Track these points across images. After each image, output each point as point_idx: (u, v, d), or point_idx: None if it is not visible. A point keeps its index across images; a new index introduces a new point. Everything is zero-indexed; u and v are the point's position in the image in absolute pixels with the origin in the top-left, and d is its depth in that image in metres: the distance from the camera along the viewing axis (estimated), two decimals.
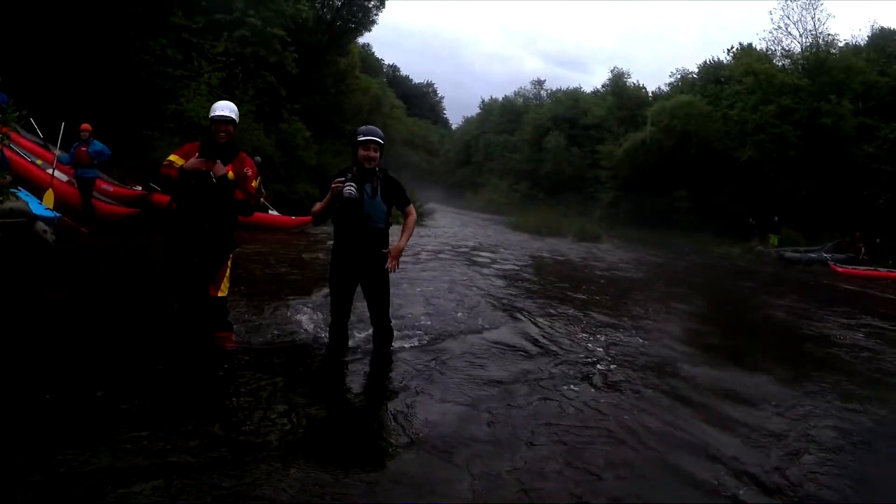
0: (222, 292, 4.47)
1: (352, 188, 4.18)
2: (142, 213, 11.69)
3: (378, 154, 4.40)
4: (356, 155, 4.40)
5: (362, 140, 4.35)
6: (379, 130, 4.50)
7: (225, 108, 4.38)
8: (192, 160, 4.25)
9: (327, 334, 4.82)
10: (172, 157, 4.32)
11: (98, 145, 10.22)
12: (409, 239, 4.62)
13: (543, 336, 6.10)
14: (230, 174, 4.33)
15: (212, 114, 4.39)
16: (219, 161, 4.28)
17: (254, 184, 4.52)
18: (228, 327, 4.61)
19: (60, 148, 10.40)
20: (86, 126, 10.20)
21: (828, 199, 25.66)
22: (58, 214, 8.41)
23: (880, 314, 10.32)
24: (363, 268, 4.54)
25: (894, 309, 11.66)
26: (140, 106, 15.92)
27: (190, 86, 16.80)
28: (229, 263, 4.54)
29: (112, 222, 10.84)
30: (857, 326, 8.70)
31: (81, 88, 13.90)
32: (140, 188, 12.71)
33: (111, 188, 11.73)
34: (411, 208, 4.72)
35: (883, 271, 18.02)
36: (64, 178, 10.43)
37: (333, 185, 4.25)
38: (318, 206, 4.49)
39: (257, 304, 6.17)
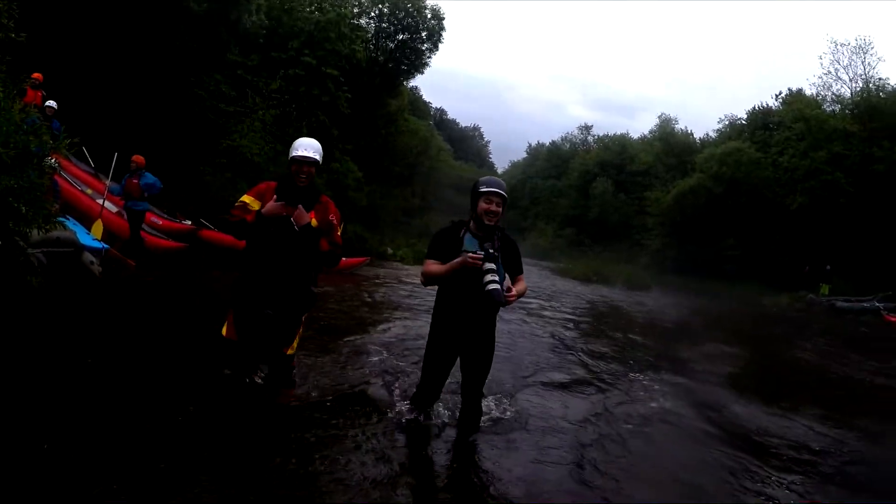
0: (292, 349, 3.98)
1: (496, 281, 3.52)
2: (190, 248, 11.46)
3: (501, 210, 3.75)
4: (475, 208, 3.77)
5: (485, 191, 3.73)
6: (503, 183, 3.87)
7: (309, 148, 3.80)
8: (271, 204, 3.69)
9: (398, 387, 4.53)
10: (246, 199, 3.81)
11: (149, 178, 9.97)
12: (523, 291, 3.91)
13: (603, 379, 6.48)
14: (314, 221, 3.79)
15: (293, 153, 3.81)
16: (300, 206, 3.73)
17: (339, 232, 3.99)
18: (292, 383, 4.17)
19: (112, 178, 10.21)
20: (138, 158, 9.98)
21: (881, 247, 24.82)
22: (105, 246, 8.13)
23: None
24: (472, 338, 3.92)
25: None
26: (193, 140, 15.86)
27: (244, 122, 16.74)
28: (304, 320, 4.02)
29: (160, 256, 10.56)
30: None
31: (135, 120, 13.87)
32: (189, 222, 12.53)
33: (160, 221, 11.54)
34: (523, 277, 3.98)
35: None
36: (113, 208, 10.24)
37: (471, 259, 3.56)
38: (435, 268, 3.80)
39: (326, 346, 6.05)
